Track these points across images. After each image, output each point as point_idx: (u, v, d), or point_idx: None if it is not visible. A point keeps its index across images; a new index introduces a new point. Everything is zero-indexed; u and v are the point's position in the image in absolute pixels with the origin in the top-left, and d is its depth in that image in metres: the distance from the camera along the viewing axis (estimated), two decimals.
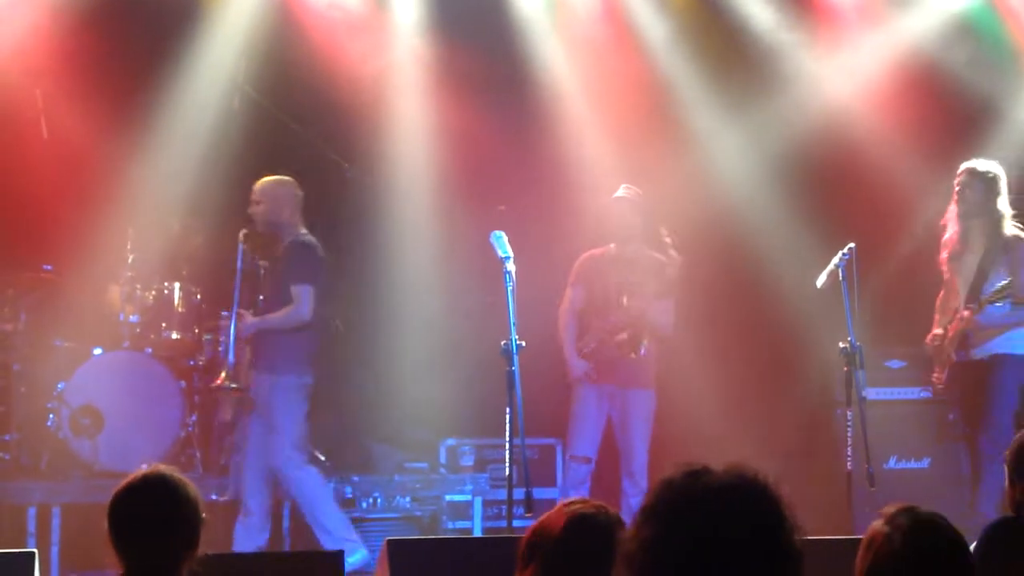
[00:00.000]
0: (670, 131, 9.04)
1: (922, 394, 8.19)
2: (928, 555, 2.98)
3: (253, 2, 8.89)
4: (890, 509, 3.13)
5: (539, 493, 7.39)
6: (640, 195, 7.76)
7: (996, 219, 7.23)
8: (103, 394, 7.96)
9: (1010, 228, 7.25)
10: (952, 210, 7.37)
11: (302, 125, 8.81)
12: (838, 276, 6.73)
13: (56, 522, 7.55)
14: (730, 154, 9.05)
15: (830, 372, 7.85)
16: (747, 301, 8.65)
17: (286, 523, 7.93)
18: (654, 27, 9.20)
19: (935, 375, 7.47)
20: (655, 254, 7.68)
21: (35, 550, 5.15)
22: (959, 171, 7.31)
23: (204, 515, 3.57)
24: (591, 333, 7.68)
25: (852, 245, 6.76)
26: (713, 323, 8.61)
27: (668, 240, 7.57)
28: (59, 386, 8.00)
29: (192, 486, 3.58)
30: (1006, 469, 4.25)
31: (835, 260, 6.77)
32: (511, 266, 6.40)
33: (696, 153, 9.04)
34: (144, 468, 3.60)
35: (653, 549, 2.01)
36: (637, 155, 8.77)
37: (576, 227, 8.69)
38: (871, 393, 8.13)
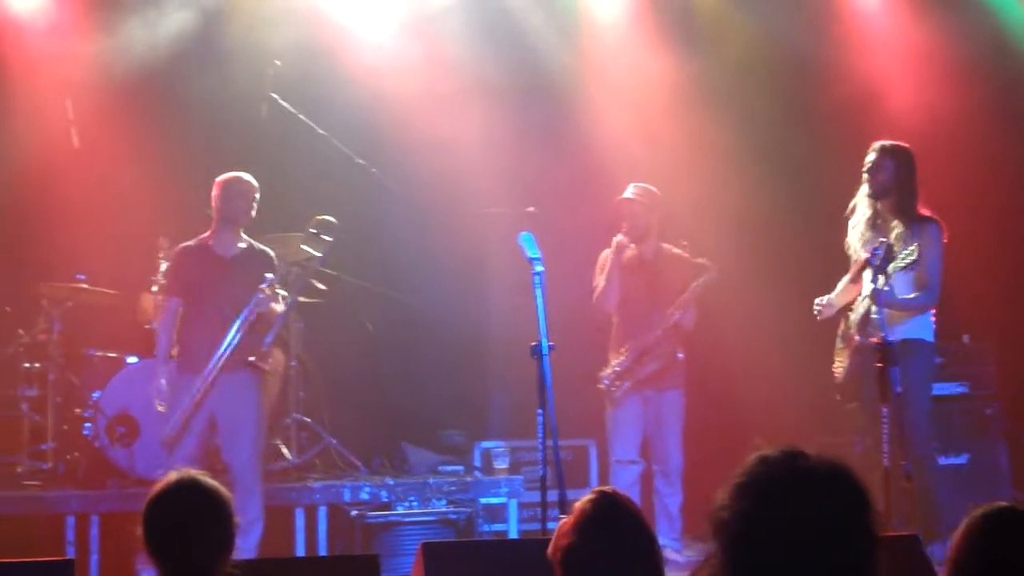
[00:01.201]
0: (694, 133, 9.02)
1: (960, 389, 8.13)
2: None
3: (281, 11, 8.92)
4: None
5: (573, 495, 7.35)
6: (653, 193, 7.74)
7: (907, 197, 6.99)
8: (138, 402, 7.98)
9: (921, 209, 6.99)
10: (862, 190, 7.11)
11: (329, 131, 8.82)
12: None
13: (95, 531, 7.60)
14: (752, 158, 9.01)
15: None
16: (778, 299, 8.58)
17: (322, 526, 7.96)
18: (680, 29, 9.18)
19: (835, 364, 7.21)
20: (674, 250, 7.70)
21: (73, 558, 5.17)
22: (870, 149, 7.07)
23: (237, 519, 3.58)
24: (627, 350, 7.62)
25: (883, 240, 6.69)
26: (740, 322, 8.59)
27: (685, 250, 7.60)
28: (94, 395, 8.06)
29: (224, 490, 3.59)
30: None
31: (866, 255, 6.71)
32: (540, 267, 6.39)
33: (720, 155, 9.01)
34: (175, 473, 3.62)
35: (749, 522, 2.09)
36: (662, 157, 8.76)
37: (607, 228, 8.68)
38: None
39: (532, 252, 6.46)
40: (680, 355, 7.68)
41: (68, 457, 8.14)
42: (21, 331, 8.33)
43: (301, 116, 8.77)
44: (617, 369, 7.63)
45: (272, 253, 7.50)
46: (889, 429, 6.48)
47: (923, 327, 7.05)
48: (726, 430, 8.24)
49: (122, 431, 7.94)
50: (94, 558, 7.55)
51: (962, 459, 8.11)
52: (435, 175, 9.03)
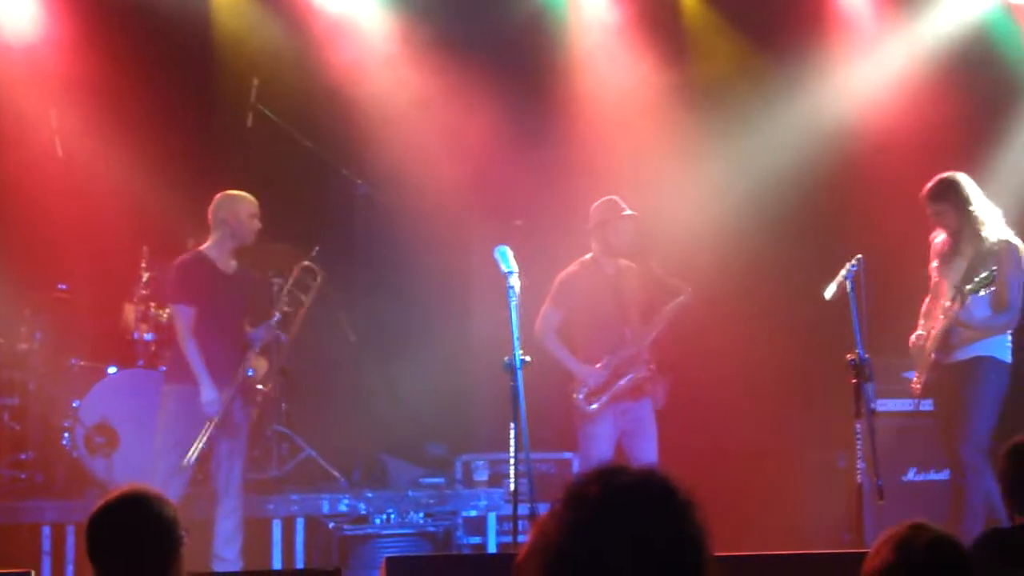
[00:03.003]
0: (680, 141, 9.01)
1: None
2: (928, 569, 2.97)
3: (265, 21, 8.93)
4: (894, 531, 3.10)
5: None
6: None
7: (976, 227, 7.08)
8: (118, 412, 7.99)
9: (995, 233, 7.08)
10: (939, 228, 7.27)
11: (315, 142, 8.83)
12: (846, 287, 6.64)
13: (71, 540, 7.59)
14: (739, 164, 9.01)
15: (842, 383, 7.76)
16: (756, 312, 8.58)
17: (300, 538, 7.94)
18: (666, 36, 9.18)
19: (915, 379, 7.32)
20: (632, 265, 7.66)
21: (31, 571, 5.15)
22: (924, 199, 7.19)
23: (183, 534, 3.55)
24: (611, 364, 7.57)
25: (860, 256, 6.68)
26: (721, 335, 8.57)
27: (657, 270, 7.57)
28: (74, 404, 8.05)
29: (171, 505, 3.56)
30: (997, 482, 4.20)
31: (843, 272, 6.69)
32: (515, 281, 6.36)
33: (705, 164, 9.00)
34: (121, 488, 3.60)
35: (562, 541, 2.05)
36: (649, 167, 8.75)
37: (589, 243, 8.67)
38: (890, 404, 8.08)
39: (507, 266, 6.43)
40: (651, 367, 7.63)
41: (46, 467, 8.11)
42: (1, 340, 8.31)
43: (286, 126, 8.78)
44: (592, 385, 7.56)
45: (263, 276, 7.59)
46: (863, 445, 6.47)
47: (997, 346, 7.11)
48: (710, 446, 8.26)
49: (101, 441, 7.93)
50: (69, 568, 7.55)
51: (943, 475, 8.06)
52: (420, 186, 9.02)
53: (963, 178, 7.18)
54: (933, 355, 7.13)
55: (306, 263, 7.94)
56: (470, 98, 9.03)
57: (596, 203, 7.65)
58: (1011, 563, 3.96)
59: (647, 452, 7.62)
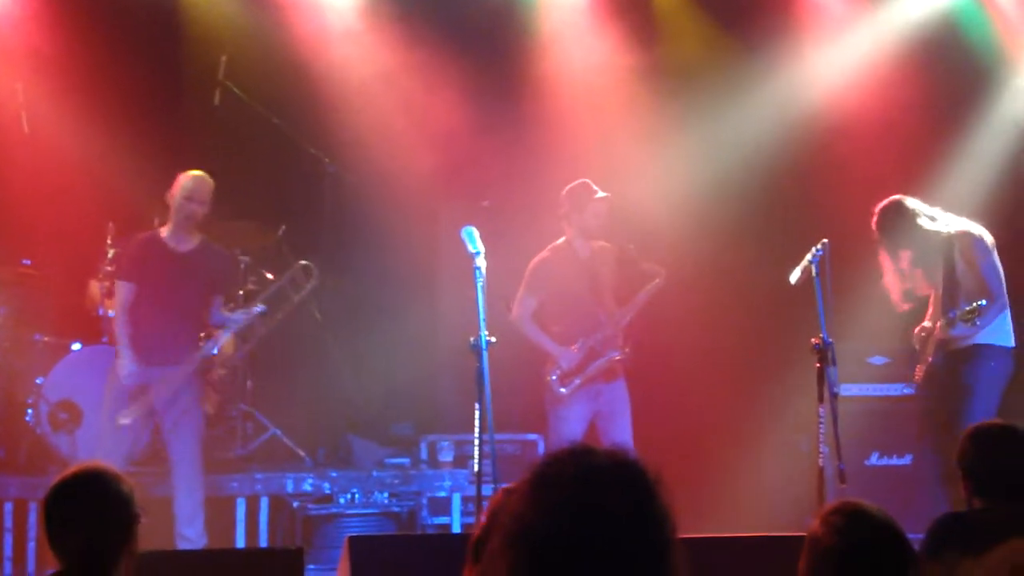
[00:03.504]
0: (648, 124, 9.01)
1: (905, 390, 8.13)
2: (862, 549, 3.00)
3: None
4: (827, 507, 3.15)
5: None
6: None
7: (928, 240, 7.09)
8: (82, 389, 7.94)
9: (941, 230, 7.08)
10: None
11: (283, 120, 8.80)
12: (811, 272, 6.67)
13: (33, 517, 7.56)
14: (706, 148, 9.02)
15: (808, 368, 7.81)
16: (723, 296, 8.62)
17: (263, 517, 7.93)
18: (635, 17, 9.18)
19: (917, 370, 7.33)
20: (605, 245, 7.67)
21: None
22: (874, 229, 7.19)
23: (138, 512, 3.55)
24: (585, 347, 7.57)
25: (825, 241, 6.69)
26: (688, 319, 8.59)
27: (632, 253, 7.57)
28: (38, 381, 8.01)
29: (127, 482, 3.56)
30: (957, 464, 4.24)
31: (809, 256, 6.71)
32: (481, 262, 6.37)
33: (673, 146, 9.00)
34: (77, 465, 3.60)
35: (527, 520, 2.05)
36: (617, 149, 8.75)
37: (557, 224, 8.67)
38: (854, 389, 8.14)
39: (474, 247, 6.44)
40: (626, 350, 7.64)
41: (9, 443, 8.07)
42: None
43: (254, 104, 8.75)
44: (565, 367, 7.56)
45: (230, 254, 7.57)
46: (825, 429, 6.51)
47: (996, 332, 7.08)
48: (675, 428, 8.28)
49: (64, 417, 7.89)
50: (31, 545, 7.52)
51: (906, 459, 8.13)
52: (388, 165, 9.00)
53: (895, 205, 7.16)
54: (931, 358, 7.15)
55: (305, 263, 8.06)
56: (437, 77, 9.00)
57: (568, 187, 7.64)
58: (968, 547, 3.98)
59: (621, 433, 7.59)
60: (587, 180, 7.63)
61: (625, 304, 7.67)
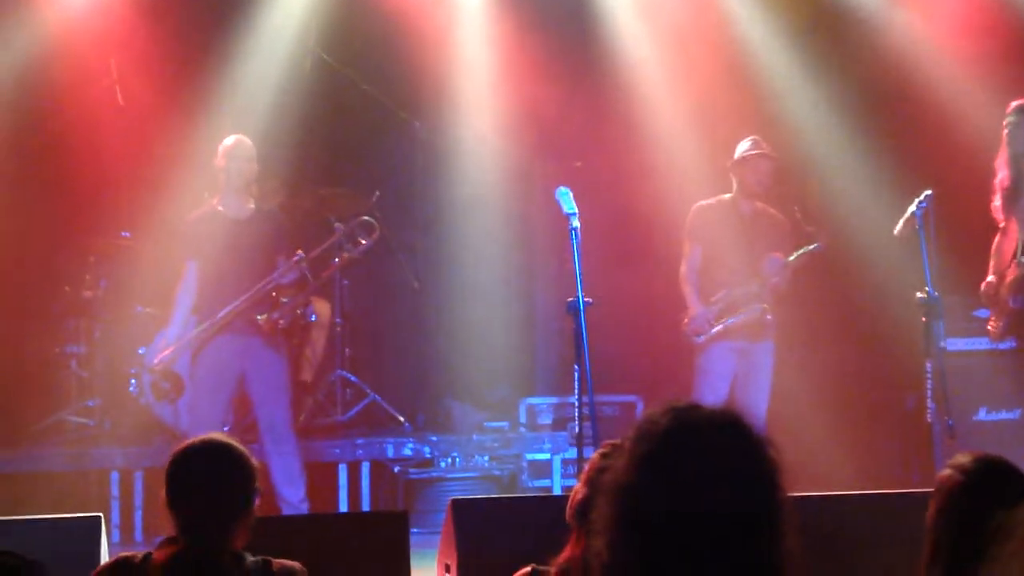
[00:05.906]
0: (741, 84, 8.86)
1: (1013, 344, 7.94)
2: (988, 476, 3.15)
3: None
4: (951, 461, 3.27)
5: None
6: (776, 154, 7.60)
7: None
8: (182, 358, 8.01)
9: None
10: (1002, 152, 6.89)
11: (373, 86, 8.78)
12: (915, 224, 6.50)
13: (139, 486, 7.68)
14: (803, 104, 8.84)
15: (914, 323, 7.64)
16: (826, 253, 8.45)
17: (365, 482, 7.97)
18: None
19: (990, 323, 7.05)
20: (770, 209, 7.58)
21: (100, 514, 5.20)
22: (1008, 109, 6.88)
23: (258, 485, 3.55)
24: (728, 298, 7.49)
25: (929, 192, 6.53)
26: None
27: (798, 214, 7.48)
28: (140, 351, 8.09)
29: (252, 457, 3.56)
30: None
31: (912, 207, 6.55)
32: (576, 222, 6.30)
33: (768, 105, 8.84)
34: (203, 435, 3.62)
35: (634, 476, 2.02)
36: (711, 110, 8.62)
37: (652, 184, 8.59)
38: (960, 344, 7.95)
39: (569, 207, 6.36)
40: (769, 317, 7.52)
41: (114, 413, 8.18)
42: (67, 288, 8.38)
43: (345, 70, 8.75)
44: (704, 313, 7.49)
45: (282, 214, 7.53)
46: (932, 384, 6.36)
47: None
48: (779, 387, 8.13)
49: (167, 387, 7.95)
50: (138, 514, 7.64)
51: (1015, 414, 7.94)
52: (479, 128, 8.95)
53: None
54: (1010, 302, 6.91)
55: (365, 218, 7.91)
56: (527, 39, 8.92)
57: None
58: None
59: (754, 400, 7.49)
60: (756, 137, 7.56)
61: (778, 266, 7.53)
